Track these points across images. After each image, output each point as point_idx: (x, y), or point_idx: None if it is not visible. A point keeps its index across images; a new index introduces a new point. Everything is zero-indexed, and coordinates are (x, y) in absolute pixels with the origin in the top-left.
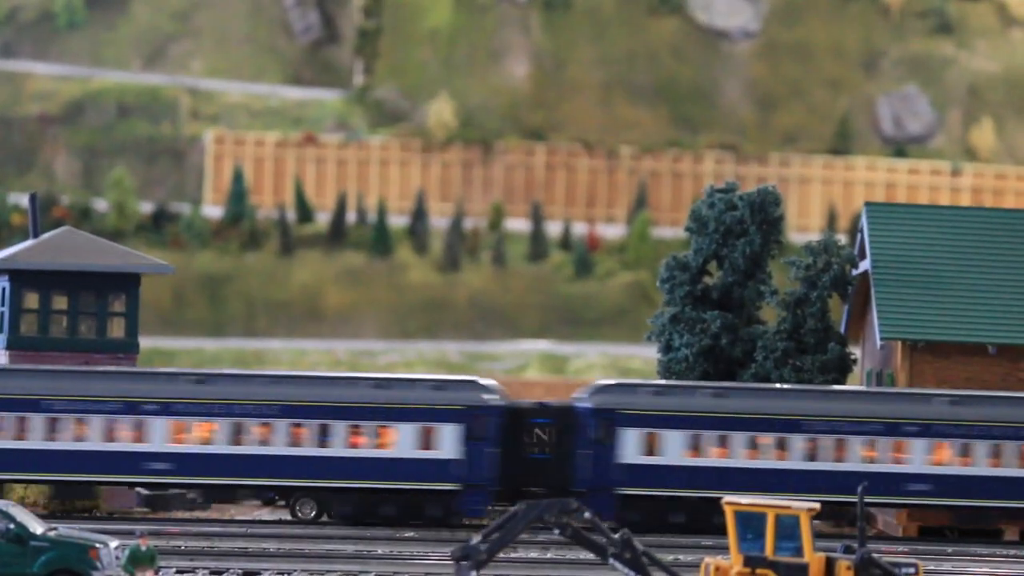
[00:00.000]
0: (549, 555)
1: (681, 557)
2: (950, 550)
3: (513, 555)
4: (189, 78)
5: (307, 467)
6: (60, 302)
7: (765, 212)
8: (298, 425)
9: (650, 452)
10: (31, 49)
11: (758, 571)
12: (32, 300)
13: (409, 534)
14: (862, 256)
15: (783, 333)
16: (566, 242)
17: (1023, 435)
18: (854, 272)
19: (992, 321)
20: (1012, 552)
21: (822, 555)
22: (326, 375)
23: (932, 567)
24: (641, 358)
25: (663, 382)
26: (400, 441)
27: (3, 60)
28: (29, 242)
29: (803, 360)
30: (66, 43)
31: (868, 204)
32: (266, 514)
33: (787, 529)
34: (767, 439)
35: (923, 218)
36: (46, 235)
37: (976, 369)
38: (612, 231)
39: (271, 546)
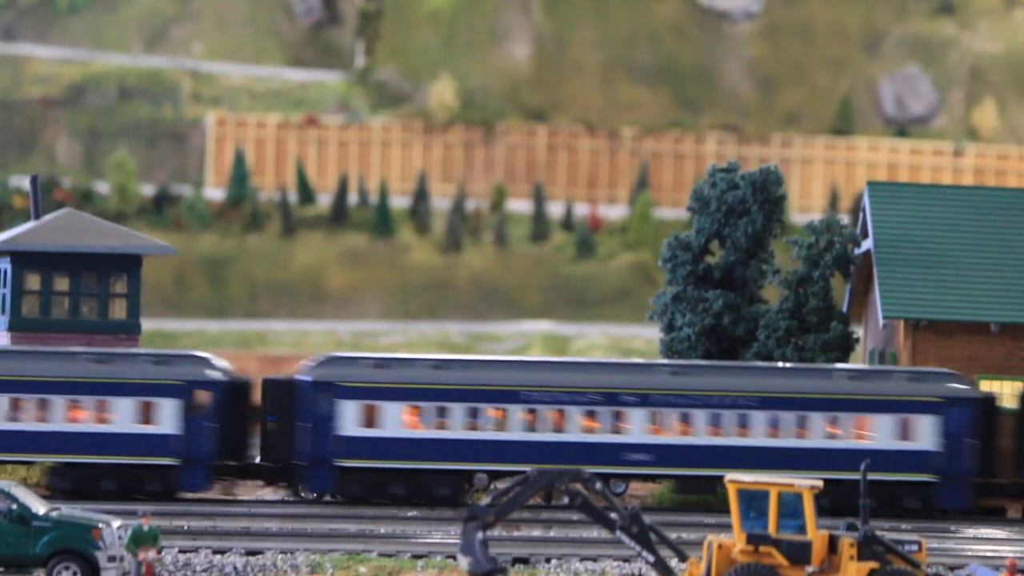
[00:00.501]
0: (552, 533)
1: (684, 535)
2: (953, 528)
3: (516, 534)
4: (190, 60)
5: (27, 442)
6: (62, 284)
7: (767, 192)
8: (18, 400)
9: (369, 424)
10: (32, 32)
11: (761, 549)
12: (34, 282)
13: (412, 513)
14: (864, 235)
15: (785, 312)
16: (568, 223)
17: (742, 404)
18: (856, 251)
19: (994, 300)
20: (1016, 530)
21: (825, 533)
22: (46, 350)
23: (935, 545)
24: (643, 338)
25: (383, 355)
26: (120, 416)
27: (4, 43)
28: (30, 224)
29: (805, 339)
30: (67, 26)
31: (871, 183)
32: (268, 494)
33: (790, 507)
34: (486, 410)
35: (926, 197)
36: (47, 217)
37: (978, 348)
38: (614, 212)
39: (274, 525)
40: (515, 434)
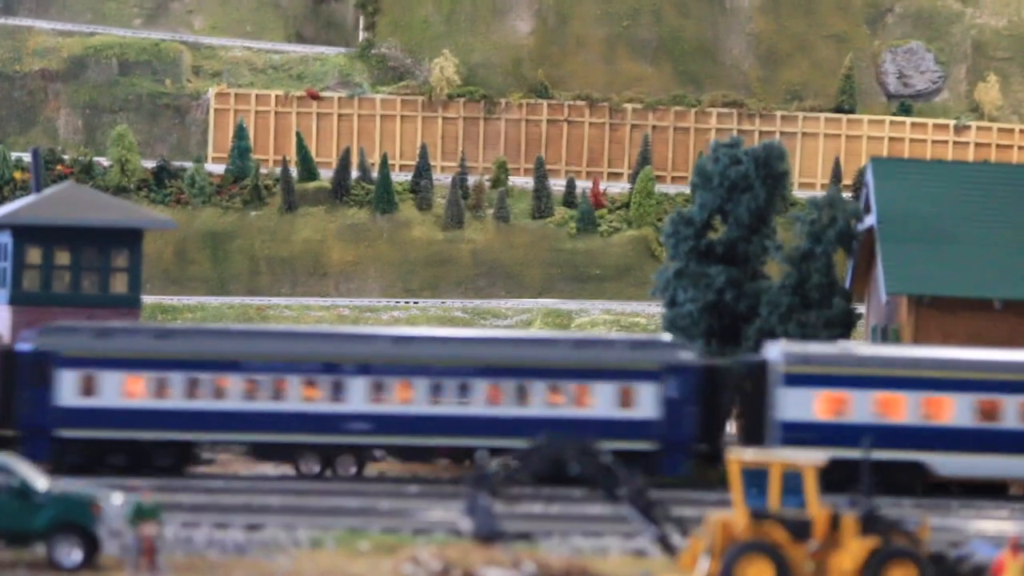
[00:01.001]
0: (554, 509)
1: (686, 511)
2: (955, 505)
3: (517, 510)
4: (191, 34)
5: None
6: (63, 257)
7: (770, 167)
8: None
9: (88, 394)
10: (32, 5)
11: (763, 525)
12: (35, 255)
13: (413, 489)
14: (867, 211)
15: (788, 288)
16: (570, 199)
17: (462, 373)
18: (859, 227)
19: (998, 277)
20: (1018, 507)
21: (827, 509)
22: None
23: (937, 522)
24: (645, 314)
25: (105, 324)
26: None
27: (4, 16)
28: (31, 198)
29: (808, 315)
30: None
31: (874, 159)
32: (269, 469)
33: (792, 484)
34: (206, 379)
35: (929, 173)
36: (48, 191)
37: (982, 324)
38: (616, 187)
39: (274, 501)
40: (235, 404)
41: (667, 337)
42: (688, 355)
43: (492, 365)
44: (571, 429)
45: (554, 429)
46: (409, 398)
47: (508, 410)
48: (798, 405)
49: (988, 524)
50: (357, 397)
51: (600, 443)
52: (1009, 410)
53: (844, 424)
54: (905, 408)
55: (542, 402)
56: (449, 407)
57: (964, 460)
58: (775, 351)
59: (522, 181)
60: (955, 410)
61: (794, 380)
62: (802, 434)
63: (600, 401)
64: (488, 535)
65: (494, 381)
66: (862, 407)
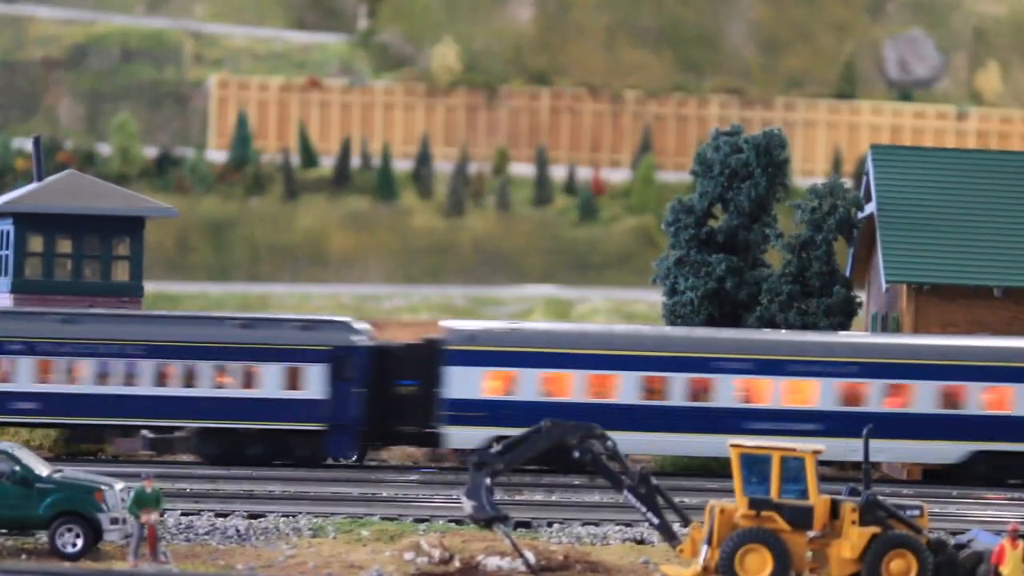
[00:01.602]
0: (554, 497)
1: (686, 500)
2: (955, 493)
3: (518, 497)
4: (192, 22)
5: None
6: (64, 245)
7: (770, 155)
8: None
9: None
10: None
11: (763, 513)
12: (36, 243)
13: (415, 477)
14: (867, 199)
15: (788, 276)
16: (571, 186)
17: (129, 353)
18: (859, 215)
19: (998, 264)
20: (1017, 496)
21: (827, 497)
22: None
23: (937, 510)
24: (646, 302)
25: None
26: None
27: (7, 4)
28: (33, 186)
29: (808, 303)
30: None
31: (874, 147)
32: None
33: (792, 472)
34: None
35: (929, 161)
36: (50, 179)
37: (981, 312)
38: (617, 175)
39: (276, 488)
40: None
41: (340, 318)
42: (359, 337)
43: (159, 344)
44: (239, 410)
45: (221, 410)
46: (76, 377)
47: (175, 390)
48: (464, 383)
49: (988, 511)
50: (24, 376)
51: (268, 424)
52: (675, 388)
53: (511, 402)
54: (572, 386)
55: (210, 382)
56: (116, 387)
57: (631, 438)
58: (446, 330)
59: (523, 169)
60: (621, 388)
61: (460, 358)
62: (468, 412)
63: (268, 382)
64: (488, 518)
65: (161, 361)
66: (529, 385)
